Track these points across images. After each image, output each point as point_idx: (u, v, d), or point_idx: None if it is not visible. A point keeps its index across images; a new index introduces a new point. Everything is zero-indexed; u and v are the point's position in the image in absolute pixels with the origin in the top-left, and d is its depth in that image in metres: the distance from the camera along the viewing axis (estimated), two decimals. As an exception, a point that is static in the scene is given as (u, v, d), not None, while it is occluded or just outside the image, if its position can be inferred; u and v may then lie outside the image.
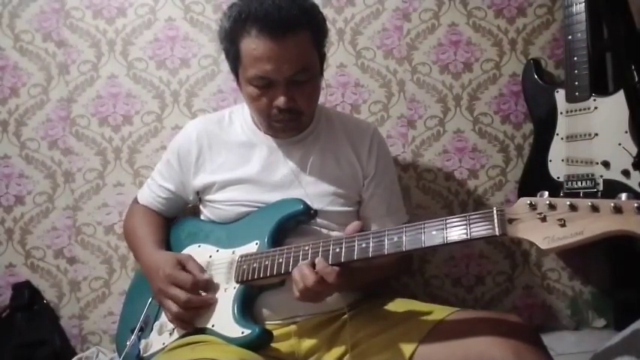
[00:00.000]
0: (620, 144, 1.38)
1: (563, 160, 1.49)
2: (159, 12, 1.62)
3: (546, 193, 0.82)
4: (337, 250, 0.98)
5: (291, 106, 1.12)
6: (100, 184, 1.62)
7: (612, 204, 0.75)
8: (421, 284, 1.65)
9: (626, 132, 1.36)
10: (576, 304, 1.66)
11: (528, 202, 0.82)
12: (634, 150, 1.34)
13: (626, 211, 0.74)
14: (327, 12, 1.63)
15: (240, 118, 1.30)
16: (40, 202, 1.61)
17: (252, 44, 1.08)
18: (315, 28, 1.14)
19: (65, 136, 1.62)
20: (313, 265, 0.97)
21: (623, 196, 0.75)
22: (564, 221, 0.78)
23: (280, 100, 1.11)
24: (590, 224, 0.76)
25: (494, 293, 1.67)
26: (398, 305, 1.12)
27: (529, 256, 1.67)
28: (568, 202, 0.78)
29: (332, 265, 0.97)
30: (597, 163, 1.41)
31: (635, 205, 0.73)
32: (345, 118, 1.38)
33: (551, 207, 0.80)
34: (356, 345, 1.06)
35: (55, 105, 1.61)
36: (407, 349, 0.99)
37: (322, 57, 1.20)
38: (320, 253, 0.99)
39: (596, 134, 1.42)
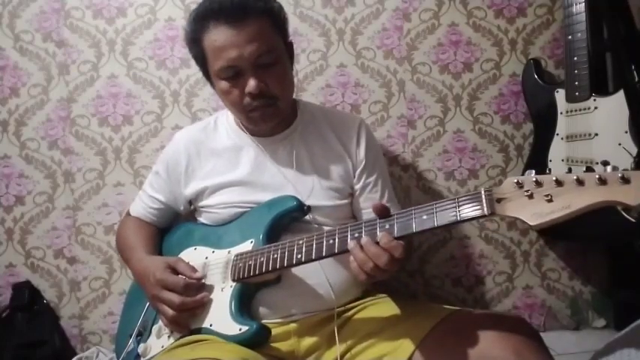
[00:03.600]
0: (620, 144, 1.38)
1: (563, 160, 1.49)
2: (159, 12, 1.62)
3: (533, 171, 0.83)
4: (331, 241, 0.98)
5: (262, 89, 1.12)
6: (100, 184, 1.62)
7: (597, 175, 0.76)
8: (421, 284, 1.65)
9: (626, 132, 1.36)
10: (576, 304, 1.66)
11: (515, 180, 0.83)
12: (634, 150, 1.34)
13: (610, 181, 0.75)
14: (327, 12, 1.63)
15: (224, 123, 1.31)
16: (40, 202, 1.61)
17: (213, 36, 1.11)
18: (271, 14, 1.15)
19: (65, 136, 1.62)
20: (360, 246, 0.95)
21: (608, 167, 0.76)
22: (551, 196, 0.79)
23: (250, 85, 1.11)
24: (577, 197, 0.77)
25: (494, 293, 1.67)
26: (398, 305, 1.12)
27: (529, 256, 1.67)
28: (554, 178, 0.79)
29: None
30: (597, 163, 1.41)
31: (619, 175, 0.74)
32: (329, 112, 1.38)
33: (538, 184, 0.81)
34: (356, 344, 1.06)
35: (55, 105, 1.62)
36: (407, 348, 0.99)
37: (289, 46, 1.21)
38: (314, 246, 1.00)
39: (596, 134, 1.42)
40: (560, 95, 1.50)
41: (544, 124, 1.54)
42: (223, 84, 1.14)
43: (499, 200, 0.84)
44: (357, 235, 0.95)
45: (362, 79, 1.65)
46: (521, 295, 1.67)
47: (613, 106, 1.40)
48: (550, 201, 0.79)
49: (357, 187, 1.26)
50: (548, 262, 1.67)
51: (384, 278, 0.95)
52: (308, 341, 1.10)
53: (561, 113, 1.50)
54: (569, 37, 1.47)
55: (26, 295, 1.56)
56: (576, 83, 1.46)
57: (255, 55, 1.10)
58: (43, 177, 1.62)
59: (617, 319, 1.61)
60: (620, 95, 1.37)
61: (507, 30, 1.66)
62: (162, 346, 1.13)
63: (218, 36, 1.10)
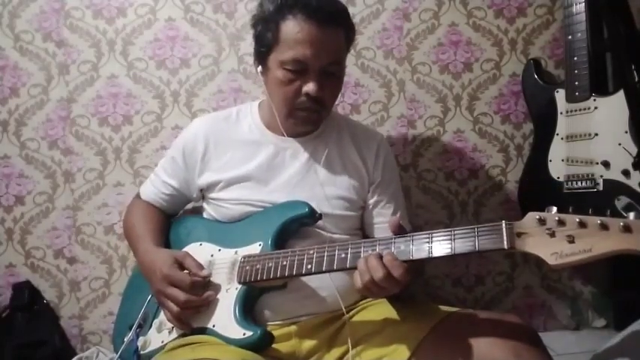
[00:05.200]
0: (620, 144, 1.38)
1: (563, 160, 1.49)
2: (159, 12, 1.62)
3: (554, 208, 0.82)
4: (342, 255, 0.98)
5: (319, 96, 1.14)
6: (100, 184, 1.62)
7: (621, 223, 0.75)
8: (421, 284, 1.65)
9: (626, 132, 1.36)
10: (576, 304, 1.66)
11: (537, 216, 0.82)
12: (634, 150, 1.34)
13: (635, 230, 0.74)
14: (327, 12, 1.63)
15: (247, 117, 1.29)
16: (40, 202, 1.61)
17: (297, 27, 1.10)
18: (350, 30, 1.20)
19: (65, 136, 1.62)
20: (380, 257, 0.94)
21: (631, 215, 0.75)
22: (573, 238, 0.78)
23: (311, 87, 1.12)
24: (599, 242, 0.76)
25: (494, 293, 1.67)
26: (397, 305, 1.12)
27: (529, 256, 1.67)
28: (577, 219, 0.78)
29: None
30: (597, 163, 1.41)
31: None
32: (353, 123, 1.38)
33: (560, 223, 0.80)
34: (356, 345, 1.06)
35: (55, 105, 1.61)
36: (406, 349, 0.99)
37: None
38: (325, 258, 0.99)
39: (596, 134, 1.42)
40: (560, 95, 1.50)
41: (544, 124, 1.54)
42: (283, 74, 1.14)
43: (519, 235, 0.84)
44: (369, 252, 0.95)
45: (362, 79, 1.65)
46: (521, 295, 1.67)
47: (613, 106, 1.40)
48: (571, 242, 0.78)
49: (370, 202, 1.26)
50: (548, 262, 1.67)
51: (382, 296, 0.95)
52: (309, 343, 1.10)
53: (561, 113, 1.50)
54: (569, 37, 1.47)
55: (26, 295, 1.56)
56: (576, 83, 1.46)
57: (327, 62, 1.13)
58: (43, 177, 1.62)
59: (617, 319, 1.62)
60: (620, 95, 1.37)
61: (507, 30, 1.66)
62: (163, 341, 1.13)
63: (303, 28, 1.10)
